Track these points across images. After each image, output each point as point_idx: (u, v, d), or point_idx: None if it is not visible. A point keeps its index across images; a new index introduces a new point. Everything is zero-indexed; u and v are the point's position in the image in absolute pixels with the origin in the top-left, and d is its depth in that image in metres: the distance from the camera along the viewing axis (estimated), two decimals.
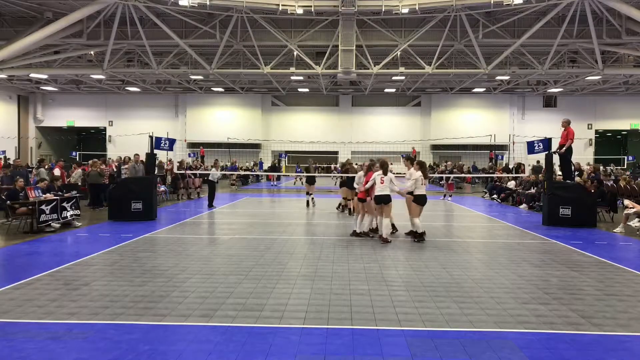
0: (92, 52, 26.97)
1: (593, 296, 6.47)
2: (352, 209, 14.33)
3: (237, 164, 34.51)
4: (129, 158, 17.97)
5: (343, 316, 5.58)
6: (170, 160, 26.21)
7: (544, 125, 36.05)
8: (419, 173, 10.39)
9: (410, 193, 10.57)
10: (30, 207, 11.35)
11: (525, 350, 4.65)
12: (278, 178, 33.80)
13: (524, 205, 17.88)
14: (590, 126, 39.21)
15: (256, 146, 40.19)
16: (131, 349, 4.61)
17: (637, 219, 11.95)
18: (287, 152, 38.33)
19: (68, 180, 18.37)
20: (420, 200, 10.46)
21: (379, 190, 10.21)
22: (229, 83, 34.09)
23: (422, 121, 40.93)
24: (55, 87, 36.35)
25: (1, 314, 5.56)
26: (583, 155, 35.09)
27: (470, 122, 38.87)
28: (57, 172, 16.97)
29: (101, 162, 18.80)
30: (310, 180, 17.79)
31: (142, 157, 24.06)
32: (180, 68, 28.46)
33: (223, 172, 27.38)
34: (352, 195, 14.18)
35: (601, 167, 22.89)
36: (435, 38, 24.59)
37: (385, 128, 40.11)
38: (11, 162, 23.52)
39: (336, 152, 38.32)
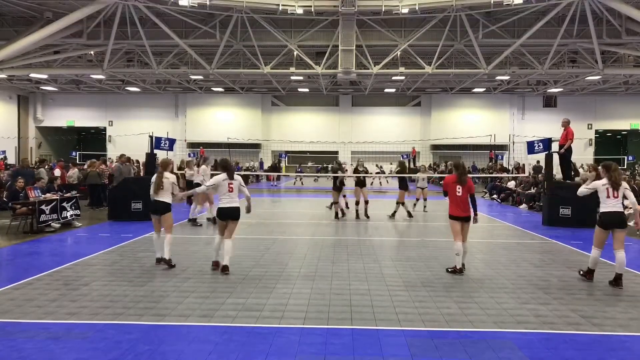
0: (92, 52, 26.95)
1: (593, 296, 6.47)
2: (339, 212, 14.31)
3: (240, 165, 34.53)
4: (129, 158, 17.96)
5: (343, 316, 5.58)
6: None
7: (544, 125, 36.06)
8: (602, 181, 7.07)
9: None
10: (30, 207, 11.35)
11: (525, 350, 4.65)
12: (278, 178, 33.80)
13: (523, 205, 17.89)
14: (590, 126, 39.22)
15: (256, 146, 40.18)
16: (131, 349, 4.60)
17: None
18: (287, 152, 38.34)
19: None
20: (605, 220, 6.96)
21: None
22: (229, 83, 34.09)
23: (422, 121, 40.93)
24: (55, 87, 36.33)
25: (1, 314, 5.56)
26: (583, 155, 35.10)
27: (470, 122, 38.88)
28: (57, 172, 16.97)
29: (101, 162, 18.78)
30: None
31: (138, 158, 24.10)
32: (180, 68, 28.44)
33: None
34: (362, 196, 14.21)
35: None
36: (435, 38, 24.58)
37: (385, 128, 40.11)
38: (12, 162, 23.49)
39: (336, 152, 38.32)
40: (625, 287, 6.92)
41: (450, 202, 7.61)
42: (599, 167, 7.49)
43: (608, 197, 6.94)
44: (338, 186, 14.20)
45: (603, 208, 6.99)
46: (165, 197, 7.91)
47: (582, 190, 7.35)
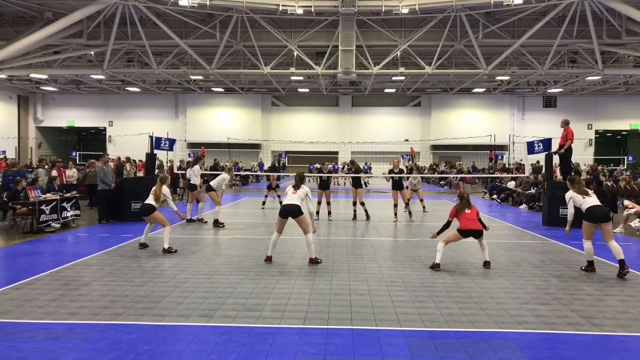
0: (92, 52, 26.98)
1: (593, 296, 6.47)
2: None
3: (239, 165, 34.51)
4: (128, 158, 17.96)
5: (343, 316, 5.58)
6: (171, 161, 26.29)
7: (544, 125, 36.09)
8: (571, 191, 7.94)
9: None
10: (30, 207, 11.36)
11: (525, 351, 4.65)
12: (278, 178, 33.76)
13: (523, 206, 17.89)
14: (590, 126, 39.25)
15: (256, 146, 40.20)
16: (131, 349, 4.61)
17: (637, 219, 11.96)
18: (287, 152, 38.36)
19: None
20: (590, 216, 7.61)
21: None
22: (229, 83, 34.10)
23: (422, 121, 40.95)
24: (55, 87, 36.34)
25: (1, 314, 5.56)
26: (583, 156, 35.13)
27: (470, 122, 38.91)
28: (54, 173, 16.94)
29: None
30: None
31: (138, 158, 24.03)
32: (180, 68, 28.47)
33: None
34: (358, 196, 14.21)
35: (602, 167, 22.89)
36: (435, 38, 24.60)
37: (385, 128, 40.14)
38: (8, 162, 23.46)
39: (336, 152, 38.35)
40: (625, 287, 6.93)
41: (461, 221, 7.99)
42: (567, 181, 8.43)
43: (584, 197, 7.78)
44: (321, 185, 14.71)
45: (586, 205, 7.70)
46: (151, 201, 9.24)
47: (569, 211, 7.97)
